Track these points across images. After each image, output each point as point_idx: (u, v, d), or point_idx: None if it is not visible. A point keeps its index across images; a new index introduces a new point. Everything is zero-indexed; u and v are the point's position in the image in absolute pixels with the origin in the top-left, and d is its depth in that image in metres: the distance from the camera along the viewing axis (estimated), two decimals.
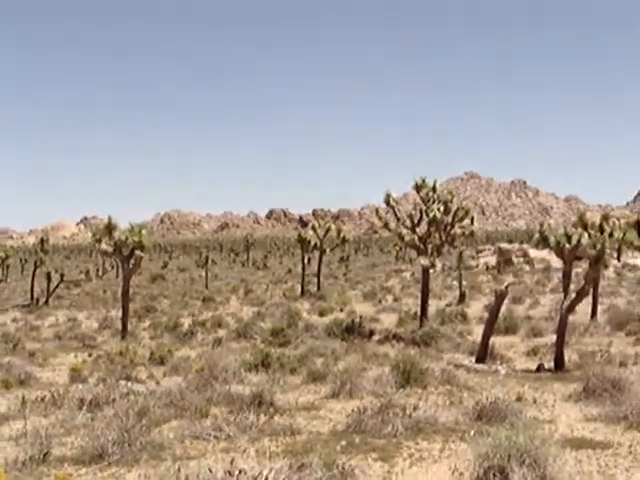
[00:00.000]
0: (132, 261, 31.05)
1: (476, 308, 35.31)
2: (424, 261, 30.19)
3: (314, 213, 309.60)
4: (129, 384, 15.60)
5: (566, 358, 19.56)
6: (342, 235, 54.66)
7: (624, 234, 25.19)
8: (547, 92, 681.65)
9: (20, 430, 11.00)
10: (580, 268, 30.86)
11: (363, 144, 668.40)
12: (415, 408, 11.38)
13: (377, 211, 34.23)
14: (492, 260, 68.59)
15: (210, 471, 7.59)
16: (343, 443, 10.28)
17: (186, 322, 32.79)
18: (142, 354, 22.29)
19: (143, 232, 30.87)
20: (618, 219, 32.22)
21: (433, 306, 33.97)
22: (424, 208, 30.90)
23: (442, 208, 30.46)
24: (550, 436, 9.38)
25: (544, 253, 44.33)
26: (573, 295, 20.06)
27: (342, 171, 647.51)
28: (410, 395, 13.47)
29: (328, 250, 55.69)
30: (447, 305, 37.87)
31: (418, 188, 31.27)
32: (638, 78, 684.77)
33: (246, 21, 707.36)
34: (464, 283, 43.08)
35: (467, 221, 31.54)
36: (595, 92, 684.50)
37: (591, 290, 24.58)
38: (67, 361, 22.82)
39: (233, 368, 16.06)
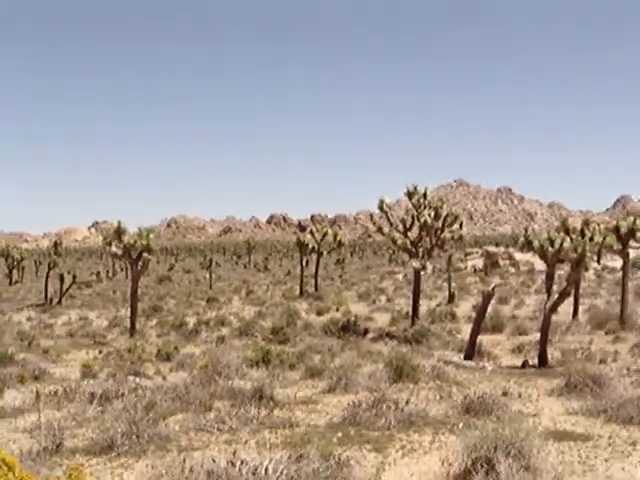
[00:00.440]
0: (140, 263, 31.00)
1: (464, 308, 35.29)
2: (416, 264, 30.21)
3: (312, 218, 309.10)
4: (137, 379, 15.58)
5: (549, 355, 19.57)
6: (338, 239, 54.66)
7: (604, 238, 25.31)
8: (531, 108, 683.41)
9: (34, 422, 10.98)
10: (562, 270, 30.89)
11: (358, 154, 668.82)
12: (407, 402, 11.39)
13: (371, 216, 34.32)
14: (480, 263, 68.61)
15: (213, 461, 7.60)
16: (339, 435, 10.28)
17: (191, 321, 32.74)
18: (149, 351, 22.26)
19: (151, 236, 30.83)
20: (598, 224, 32.26)
21: (424, 306, 33.97)
22: (416, 214, 30.92)
23: (433, 214, 30.49)
24: (534, 429, 9.38)
25: (528, 256, 44.30)
26: (556, 296, 20.07)
27: (338, 179, 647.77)
28: (402, 390, 13.47)
29: (325, 253, 55.60)
30: (437, 305, 37.84)
31: (410, 195, 31.30)
32: (617, 90, 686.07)
33: (245, 22, 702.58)
34: (453, 284, 43.05)
35: (456, 226, 31.55)
36: (576, 107, 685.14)
37: (573, 291, 24.58)
38: (79, 357, 22.78)
39: (235, 364, 16.06)
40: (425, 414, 11.15)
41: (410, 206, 31.61)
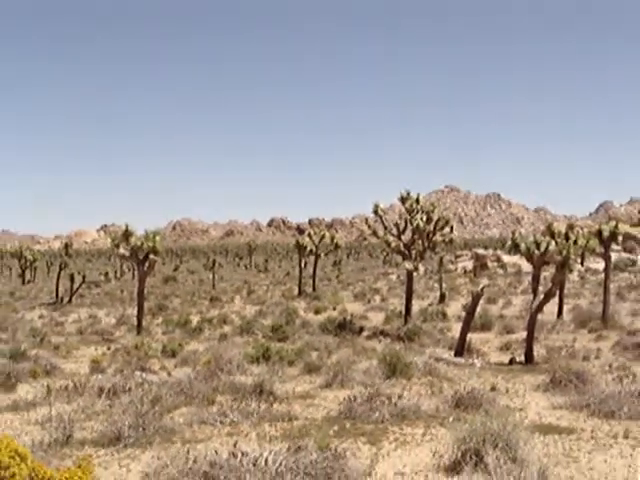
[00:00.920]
0: (147, 264, 30.97)
1: (455, 307, 35.29)
2: (408, 265, 30.22)
3: (310, 222, 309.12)
4: (143, 374, 15.56)
5: (535, 353, 19.59)
6: (335, 241, 54.66)
7: (587, 242, 25.28)
8: (518, 119, 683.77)
9: (45, 415, 10.97)
10: (548, 272, 30.91)
11: (355, 161, 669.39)
12: (400, 397, 11.38)
13: (366, 220, 34.37)
14: (469, 265, 68.59)
15: (216, 453, 7.58)
16: (335, 428, 10.28)
17: (195, 319, 32.72)
18: (155, 348, 22.21)
19: (157, 238, 30.80)
20: (582, 228, 32.36)
21: (416, 305, 33.96)
22: (409, 218, 30.95)
23: (425, 218, 30.52)
24: (521, 422, 9.38)
25: (516, 258, 44.41)
26: (541, 296, 20.09)
27: (335, 185, 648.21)
28: (395, 385, 13.48)
29: (322, 255, 55.60)
30: (429, 305, 37.82)
31: (403, 200, 31.33)
32: (600, 102, 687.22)
33: (245, 23, 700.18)
34: (444, 285, 43.03)
35: (447, 229, 31.59)
36: (561, 119, 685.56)
37: (557, 292, 24.60)
38: (88, 353, 22.75)
39: (237, 360, 16.05)
40: (417, 408, 11.14)
41: (403, 211, 31.65)
